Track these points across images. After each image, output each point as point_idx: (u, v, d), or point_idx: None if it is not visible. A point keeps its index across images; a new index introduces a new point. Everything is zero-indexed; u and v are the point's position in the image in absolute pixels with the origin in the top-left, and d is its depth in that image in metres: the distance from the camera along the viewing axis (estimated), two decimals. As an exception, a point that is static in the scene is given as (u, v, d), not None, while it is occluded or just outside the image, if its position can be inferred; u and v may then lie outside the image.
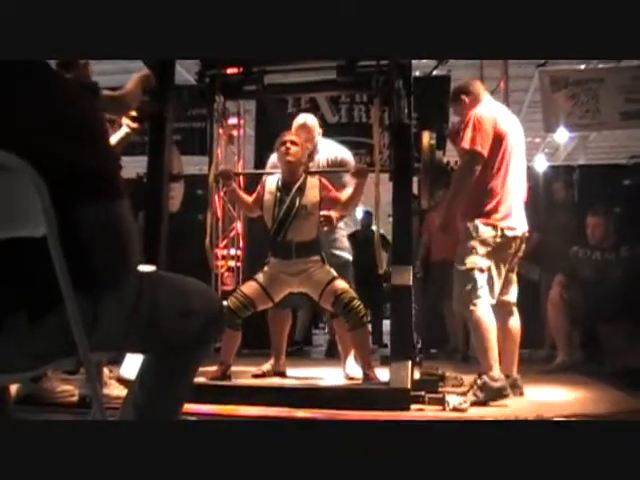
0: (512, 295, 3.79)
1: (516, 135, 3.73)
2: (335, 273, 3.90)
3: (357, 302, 3.76)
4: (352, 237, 8.15)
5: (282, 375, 4.23)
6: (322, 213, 3.89)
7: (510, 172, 3.62)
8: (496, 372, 3.44)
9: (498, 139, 3.58)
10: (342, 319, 3.87)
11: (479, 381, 3.42)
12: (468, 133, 3.55)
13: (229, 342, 3.89)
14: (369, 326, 3.90)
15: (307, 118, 4.36)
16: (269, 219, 3.97)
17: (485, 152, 3.54)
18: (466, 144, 3.54)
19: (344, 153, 4.54)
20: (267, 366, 4.26)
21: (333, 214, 3.95)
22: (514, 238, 3.64)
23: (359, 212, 8.04)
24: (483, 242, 3.56)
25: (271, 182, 4.01)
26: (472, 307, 3.51)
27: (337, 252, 4.34)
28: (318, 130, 4.43)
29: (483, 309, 3.51)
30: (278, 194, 3.94)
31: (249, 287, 3.94)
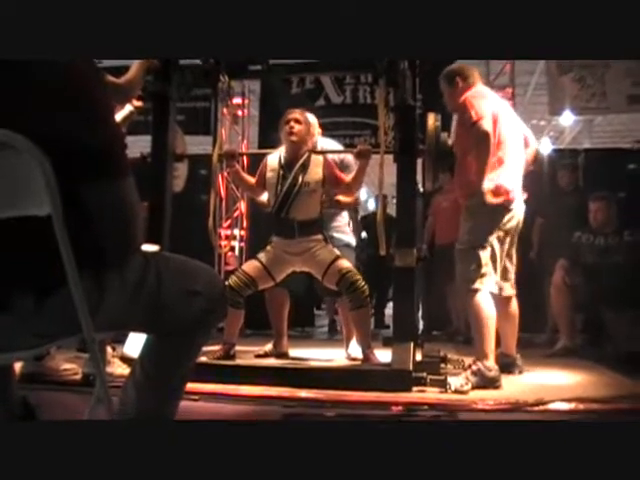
0: (509, 276, 3.80)
1: (509, 119, 3.73)
2: (338, 252, 3.90)
3: (362, 282, 3.77)
4: (364, 219, 8.24)
5: (284, 356, 4.24)
6: (329, 196, 3.88)
7: (507, 152, 3.61)
8: (491, 362, 3.46)
9: (496, 118, 3.57)
10: (345, 298, 3.89)
11: (474, 367, 3.44)
12: (470, 111, 3.52)
13: (232, 321, 3.90)
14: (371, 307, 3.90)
15: (308, 116, 4.33)
16: (271, 196, 3.96)
17: (490, 118, 3.51)
18: (473, 117, 3.50)
19: (344, 153, 4.51)
20: (269, 346, 4.28)
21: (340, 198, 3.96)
22: (513, 216, 3.64)
23: (363, 194, 8.06)
24: (484, 219, 3.56)
25: (273, 159, 4.00)
26: (472, 290, 3.52)
27: (337, 235, 4.34)
28: (318, 130, 4.39)
29: (483, 296, 3.52)
30: (281, 171, 3.93)
31: (251, 266, 3.94)
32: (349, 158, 4.28)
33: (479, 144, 3.52)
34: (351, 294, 3.78)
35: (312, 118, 4.31)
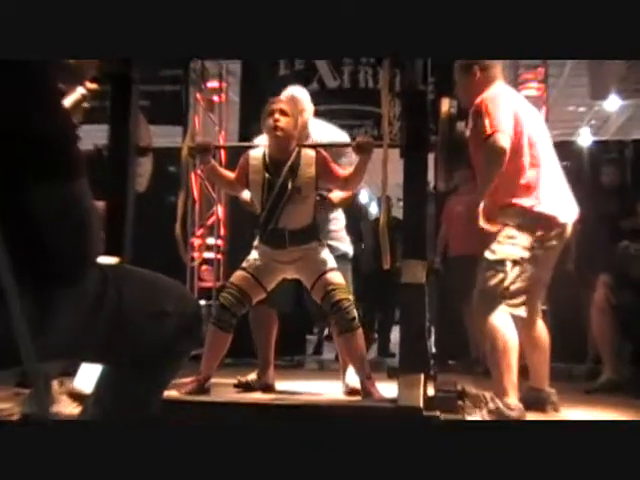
0: (541, 297, 3.84)
1: (536, 120, 3.82)
2: (334, 263, 3.92)
3: (347, 302, 3.78)
4: (375, 222, 8.30)
5: (269, 389, 4.24)
6: (321, 193, 3.88)
7: (542, 157, 3.69)
8: (512, 399, 3.48)
9: (517, 121, 3.64)
10: (331, 320, 3.91)
11: (491, 404, 3.45)
12: (485, 119, 3.59)
13: (215, 347, 3.89)
14: (361, 330, 3.90)
15: (295, 90, 4.35)
16: (257, 204, 3.98)
17: (511, 129, 3.58)
18: (487, 129, 3.57)
19: (342, 138, 4.53)
20: (252, 376, 4.26)
21: (334, 195, 3.99)
22: (558, 227, 3.68)
23: (364, 196, 8.08)
24: (522, 231, 3.60)
25: (256, 157, 3.99)
26: (490, 310, 3.56)
27: (333, 244, 4.36)
28: (309, 107, 4.41)
29: (503, 316, 3.55)
30: (266, 175, 3.92)
31: (239, 277, 3.94)
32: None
33: (489, 160, 3.61)
34: (334, 315, 3.80)
35: (301, 93, 4.34)
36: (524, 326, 3.75)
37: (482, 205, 3.60)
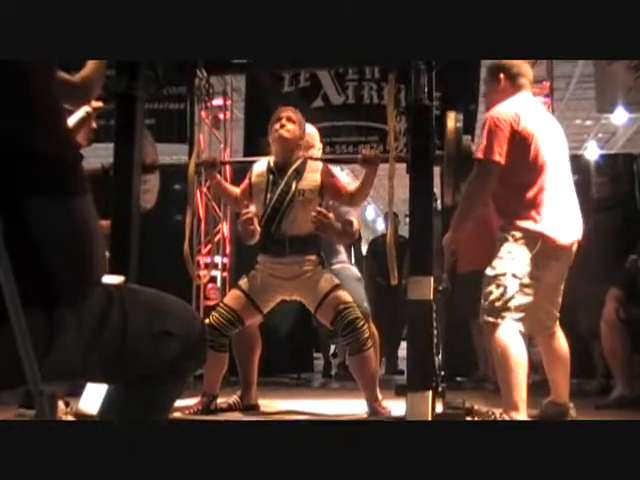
0: (555, 311, 3.82)
1: (553, 136, 3.79)
2: (337, 280, 3.90)
3: (360, 321, 3.76)
4: (373, 243, 8.33)
5: (253, 408, 4.16)
6: (317, 209, 3.84)
7: (552, 176, 3.68)
8: (522, 415, 3.45)
9: (526, 141, 3.64)
10: (342, 341, 3.89)
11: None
12: (483, 140, 3.62)
13: (214, 367, 3.87)
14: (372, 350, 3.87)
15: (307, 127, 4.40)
16: (259, 206, 3.96)
17: (503, 160, 3.60)
18: (480, 153, 3.61)
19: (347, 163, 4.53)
20: (235, 398, 4.17)
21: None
22: (560, 248, 3.67)
23: (370, 212, 8.10)
24: (521, 246, 3.60)
25: (260, 165, 4.02)
26: (493, 325, 3.54)
27: (344, 265, 4.36)
28: (318, 145, 4.42)
29: (509, 330, 3.54)
30: (270, 176, 3.94)
31: (233, 297, 3.93)
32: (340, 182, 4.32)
33: (473, 188, 3.69)
34: (348, 336, 3.77)
35: (311, 128, 4.35)
36: (542, 341, 3.73)
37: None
